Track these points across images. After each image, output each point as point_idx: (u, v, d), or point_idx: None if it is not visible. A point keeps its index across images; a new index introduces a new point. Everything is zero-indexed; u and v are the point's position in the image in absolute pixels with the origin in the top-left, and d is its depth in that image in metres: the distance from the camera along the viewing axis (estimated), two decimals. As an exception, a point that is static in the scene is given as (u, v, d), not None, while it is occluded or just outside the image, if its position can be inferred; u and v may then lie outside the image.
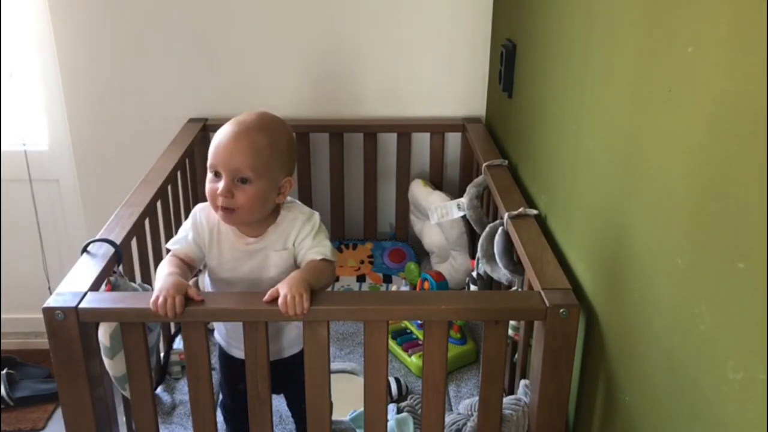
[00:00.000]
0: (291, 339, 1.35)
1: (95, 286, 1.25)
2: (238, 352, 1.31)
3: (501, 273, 1.55)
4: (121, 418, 1.40)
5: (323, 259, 1.26)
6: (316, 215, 1.31)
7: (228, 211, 1.22)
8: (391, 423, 1.39)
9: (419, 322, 1.83)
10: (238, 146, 1.20)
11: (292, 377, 1.35)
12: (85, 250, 1.36)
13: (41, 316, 1.14)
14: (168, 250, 1.30)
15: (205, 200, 1.29)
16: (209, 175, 1.23)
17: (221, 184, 1.20)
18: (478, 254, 1.61)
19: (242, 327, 1.20)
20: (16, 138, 2.40)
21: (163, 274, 1.19)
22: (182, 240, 1.29)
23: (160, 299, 1.13)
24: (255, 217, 1.25)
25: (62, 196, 2.48)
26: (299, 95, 2.26)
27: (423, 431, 1.28)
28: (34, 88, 2.35)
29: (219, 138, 1.23)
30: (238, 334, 1.23)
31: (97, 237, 1.40)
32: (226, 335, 1.37)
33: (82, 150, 2.31)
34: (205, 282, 1.36)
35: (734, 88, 0.78)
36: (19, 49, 2.31)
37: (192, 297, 1.16)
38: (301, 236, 1.28)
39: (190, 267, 1.27)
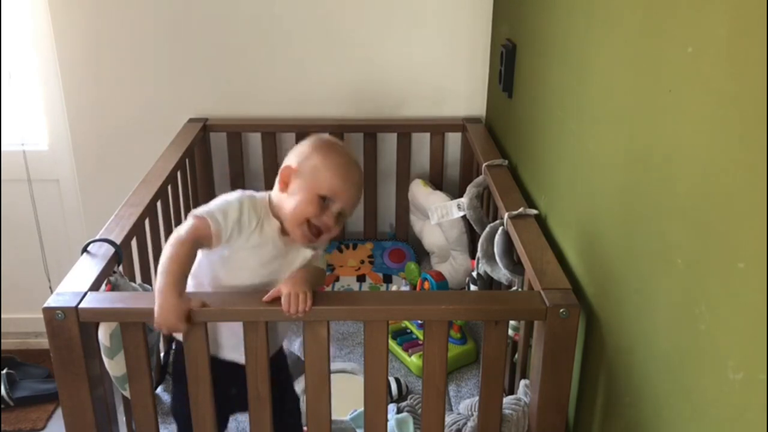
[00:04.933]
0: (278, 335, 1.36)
1: (95, 286, 1.25)
2: (232, 354, 1.29)
3: (501, 273, 1.55)
4: (121, 418, 1.40)
5: (321, 268, 1.31)
6: None
7: (317, 234, 1.25)
8: (391, 423, 1.39)
9: (419, 322, 1.83)
10: (358, 186, 1.28)
11: (278, 378, 1.34)
12: (85, 250, 1.36)
13: (41, 316, 1.14)
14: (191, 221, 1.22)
15: (207, 198, 1.29)
16: (313, 197, 1.23)
17: (330, 214, 1.24)
18: (478, 254, 1.61)
19: (241, 327, 1.20)
20: (16, 138, 2.40)
21: (162, 285, 1.14)
22: (219, 213, 1.21)
23: (164, 331, 1.15)
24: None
25: (62, 196, 2.48)
26: (299, 95, 2.26)
27: (423, 431, 1.29)
28: (34, 88, 2.35)
29: (343, 171, 1.25)
30: (236, 333, 1.22)
31: (97, 237, 1.40)
32: (218, 337, 1.30)
33: (82, 150, 2.31)
34: (201, 263, 1.30)
35: (734, 88, 0.78)
36: (18, 49, 2.31)
37: (194, 310, 1.15)
38: (321, 240, 1.29)
39: (204, 243, 1.21)
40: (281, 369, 1.40)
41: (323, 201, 1.23)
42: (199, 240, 1.20)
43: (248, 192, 1.29)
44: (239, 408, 1.41)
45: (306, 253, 1.28)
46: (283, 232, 1.27)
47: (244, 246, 1.24)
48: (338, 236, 2.34)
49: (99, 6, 2.15)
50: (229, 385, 1.30)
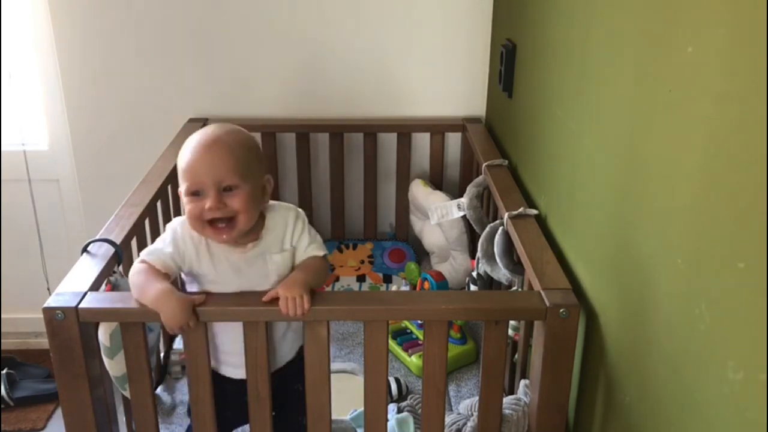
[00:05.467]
0: (285, 351, 1.32)
1: (95, 286, 1.25)
2: (232, 370, 1.28)
3: (501, 273, 1.55)
4: (121, 418, 1.40)
5: (323, 256, 1.27)
6: (301, 210, 1.29)
7: (224, 224, 1.16)
8: (391, 423, 1.39)
9: (419, 322, 1.83)
10: (215, 155, 1.15)
11: (288, 387, 1.34)
12: (85, 250, 1.36)
13: (41, 316, 1.14)
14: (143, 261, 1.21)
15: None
16: (187, 199, 1.16)
17: (208, 200, 1.14)
18: (478, 254, 1.61)
19: (241, 338, 1.20)
20: (16, 138, 2.40)
21: (156, 292, 1.13)
22: (158, 251, 1.20)
23: (176, 330, 1.14)
24: (252, 222, 1.20)
25: (62, 196, 2.48)
26: (299, 95, 2.26)
27: (423, 431, 1.29)
28: (34, 88, 2.35)
29: (189, 156, 1.16)
30: (236, 347, 1.22)
31: (97, 237, 1.40)
32: (216, 352, 1.28)
33: (82, 150, 2.31)
34: None
35: (734, 88, 0.78)
36: (19, 49, 2.31)
37: (199, 304, 1.15)
38: (296, 234, 1.26)
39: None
40: (291, 382, 1.34)
41: (195, 195, 1.15)
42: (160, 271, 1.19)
43: (182, 218, 1.23)
44: (240, 422, 1.40)
45: (275, 258, 1.23)
46: (237, 243, 1.22)
47: (202, 270, 1.22)
48: (338, 236, 2.35)
49: (99, 6, 2.14)
50: (230, 401, 1.29)
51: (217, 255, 1.22)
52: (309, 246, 1.26)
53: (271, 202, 1.29)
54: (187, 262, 1.22)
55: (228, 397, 1.29)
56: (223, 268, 1.22)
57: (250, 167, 1.17)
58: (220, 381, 1.29)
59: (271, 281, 1.24)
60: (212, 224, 1.16)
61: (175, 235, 1.22)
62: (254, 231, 1.23)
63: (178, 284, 1.28)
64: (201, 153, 1.15)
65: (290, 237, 1.26)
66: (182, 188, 1.18)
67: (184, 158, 1.17)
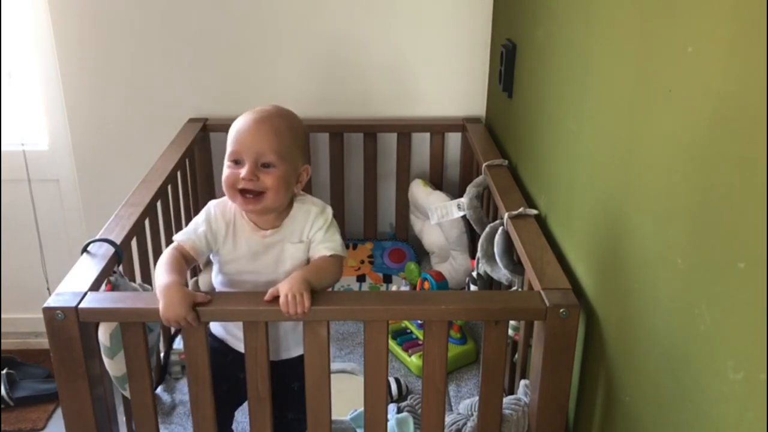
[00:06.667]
0: (288, 342, 1.35)
1: (95, 286, 1.25)
2: (241, 345, 1.29)
3: (501, 273, 1.55)
4: (121, 418, 1.40)
5: (332, 255, 1.27)
6: (329, 209, 1.32)
7: (253, 196, 1.22)
8: (391, 423, 1.39)
9: (419, 322, 1.83)
10: (261, 131, 1.23)
11: (287, 379, 1.35)
12: (85, 250, 1.36)
13: (41, 316, 1.14)
14: (172, 242, 1.29)
15: (207, 198, 1.30)
16: (228, 164, 1.24)
17: (244, 169, 1.21)
18: (478, 254, 1.61)
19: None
20: (16, 138, 2.40)
21: (164, 283, 1.17)
22: (191, 232, 1.28)
23: (172, 323, 1.15)
24: (279, 201, 1.25)
25: (62, 196, 2.48)
26: (299, 95, 2.26)
27: (423, 431, 1.29)
28: (34, 88, 2.35)
29: (240, 125, 1.25)
30: None
31: (97, 237, 1.40)
32: (233, 330, 1.34)
33: (82, 150, 2.31)
34: (214, 281, 1.36)
35: (734, 88, 0.78)
36: (18, 49, 2.31)
37: (200, 303, 1.16)
38: (314, 229, 1.29)
39: (190, 261, 1.26)
40: (292, 378, 1.35)
41: (236, 163, 1.24)
42: (183, 255, 1.25)
43: (221, 199, 1.31)
44: (241, 398, 1.41)
45: (289, 248, 1.28)
46: (259, 226, 1.28)
47: (224, 250, 1.29)
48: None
49: (99, 6, 2.15)
50: (239, 371, 1.30)
51: (240, 237, 1.28)
52: (321, 244, 1.28)
53: (306, 195, 1.34)
54: (219, 241, 1.29)
55: (233, 369, 1.30)
56: (242, 251, 1.28)
57: (290, 150, 1.25)
58: (228, 353, 1.33)
59: (285, 270, 1.27)
60: (243, 194, 1.23)
61: (209, 215, 1.29)
62: (278, 218, 1.29)
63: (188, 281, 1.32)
64: (250, 126, 1.24)
65: (308, 230, 1.29)
66: (226, 153, 1.25)
67: (235, 127, 1.26)
